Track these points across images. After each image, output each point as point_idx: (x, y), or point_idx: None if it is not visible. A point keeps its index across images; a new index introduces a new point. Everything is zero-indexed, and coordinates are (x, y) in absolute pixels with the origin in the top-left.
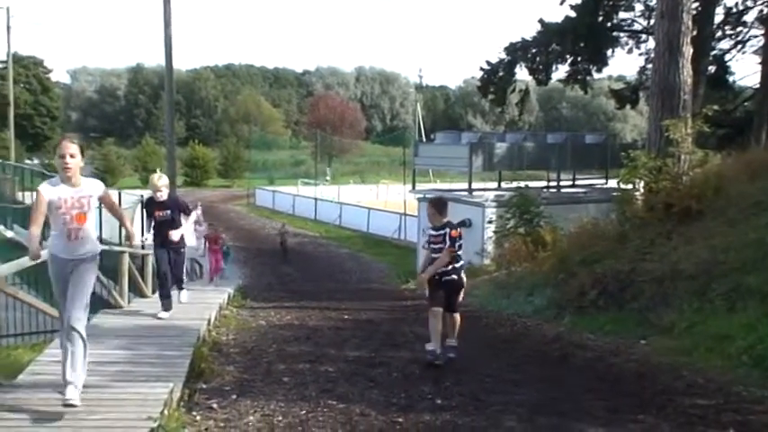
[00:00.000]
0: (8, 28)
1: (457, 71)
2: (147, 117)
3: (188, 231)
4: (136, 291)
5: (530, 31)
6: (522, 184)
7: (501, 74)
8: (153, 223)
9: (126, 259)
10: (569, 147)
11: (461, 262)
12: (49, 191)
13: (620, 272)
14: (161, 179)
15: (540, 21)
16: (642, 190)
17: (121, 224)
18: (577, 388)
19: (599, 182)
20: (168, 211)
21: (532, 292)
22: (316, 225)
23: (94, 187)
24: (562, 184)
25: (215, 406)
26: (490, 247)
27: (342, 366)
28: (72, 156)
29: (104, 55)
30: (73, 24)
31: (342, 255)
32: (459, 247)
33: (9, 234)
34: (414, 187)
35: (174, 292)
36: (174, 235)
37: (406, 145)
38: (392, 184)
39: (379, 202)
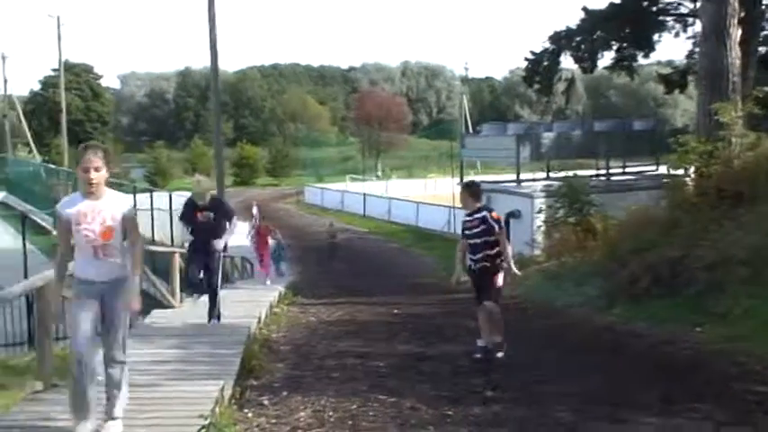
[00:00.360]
0: (59, 37)
1: (503, 62)
2: (195, 119)
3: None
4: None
5: (574, 19)
6: (571, 173)
7: (546, 63)
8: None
9: (176, 260)
10: (618, 134)
11: (497, 249)
12: (67, 209)
13: (672, 259)
14: (200, 184)
15: (584, 8)
16: (693, 175)
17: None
18: (630, 377)
19: (649, 168)
20: (212, 214)
21: (583, 281)
22: (365, 220)
23: (121, 203)
24: (612, 171)
25: (266, 402)
26: (540, 238)
27: (392, 361)
28: (97, 169)
29: (153, 59)
30: (122, 30)
31: (391, 249)
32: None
33: None
34: (461, 180)
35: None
36: (218, 244)
37: (453, 138)
38: (440, 178)
39: (428, 196)
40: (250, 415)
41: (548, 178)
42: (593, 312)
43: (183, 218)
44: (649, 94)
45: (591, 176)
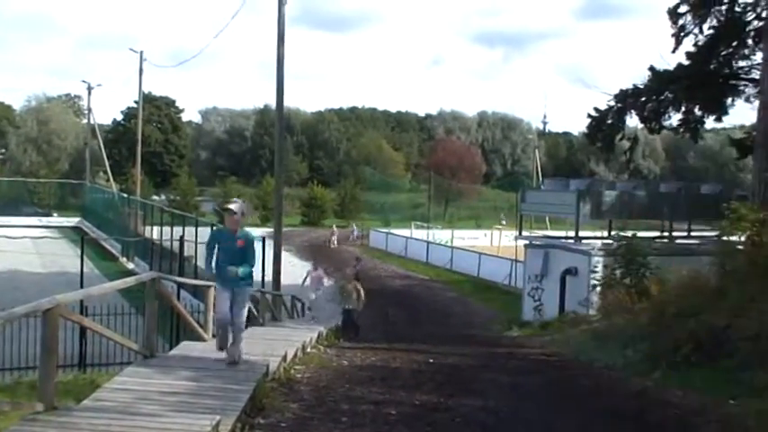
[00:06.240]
0: (140, 71)
1: (581, 118)
2: (270, 157)
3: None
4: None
5: (642, 78)
6: (631, 233)
7: (610, 121)
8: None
9: (212, 292)
10: (683, 196)
11: None
12: None
13: (715, 327)
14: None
15: (651, 68)
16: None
17: None
18: None
19: (714, 233)
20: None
21: (628, 344)
22: (427, 268)
23: None
24: (676, 234)
25: None
26: (595, 297)
27: (406, 410)
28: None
29: (235, 96)
30: (207, 66)
31: (448, 299)
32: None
33: (130, 266)
34: (520, 233)
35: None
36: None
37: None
38: (506, 230)
39: (492, 248)
40: None
41: (608, 237)
42: (632, 376)
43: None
44: (730, 158)
45: (653, 238)
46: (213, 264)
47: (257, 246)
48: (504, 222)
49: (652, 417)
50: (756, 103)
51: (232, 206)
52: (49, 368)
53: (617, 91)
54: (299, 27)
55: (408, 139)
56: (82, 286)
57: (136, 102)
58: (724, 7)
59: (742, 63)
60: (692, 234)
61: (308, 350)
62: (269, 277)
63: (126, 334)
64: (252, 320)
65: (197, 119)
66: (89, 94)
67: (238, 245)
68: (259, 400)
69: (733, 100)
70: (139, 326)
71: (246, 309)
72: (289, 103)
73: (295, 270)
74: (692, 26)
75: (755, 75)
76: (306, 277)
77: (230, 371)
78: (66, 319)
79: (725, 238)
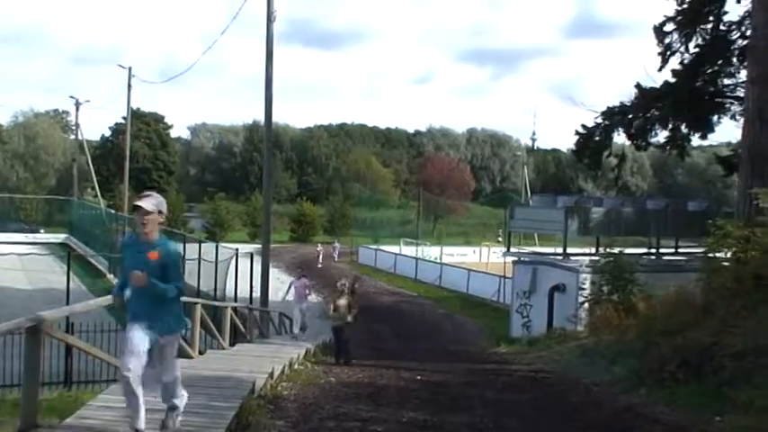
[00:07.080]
0: (129, 87)
1: (570, 134)
2: (260, 173)
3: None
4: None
5: (629, 95)
6: (619, 250)
7: (597, 138)
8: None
9: (198, 310)
10: (670, 213)
11: None
12: None
13: (701, 344)
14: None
15: (637, 86)
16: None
17: None
18: None
19: (701, 250)
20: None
21: (615, 360)
22: (415, 285)
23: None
24: (663, 251)
25: None
26: (583, 313)
27: (392, 427)
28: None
29: (223, 112)
30: (195, 82)
31: (437, 315)
32: None
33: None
34: (508, 249)
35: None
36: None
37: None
38: (495, 246)
39: (481, 264)
40: None
41: (596, 253)
42: (619, 392)
43: None
44: (717, 175)
45: (641, 255)
46: (119, 288)
47: (180, 260)
48: (500, 239)
49: None
50: (742, 120)
51: (142, 202)
52: (31, 386)
53: (604, 108)
54: (288, 43)
55: (397, 156)
56: (68, 303)
57: (124, 118)
58: (710, 26)
59: (727, 81)
60: (679, 251)
61: (296, 367)
62: (257, 293)
63: (112, 351)
64: (239, 337)
65: (186, 135)
66: (77, 109)
67: (150, 258)
68: (245, 417)
69: (719, 118)
70: None
71: (176, 359)
72: (278, 119)
73: (283, 286)
74: (679, 44)
75: (741, 93)
76: (288, 288)
77: (216, 389)
78: (51, 337)
79: (711, 254)
